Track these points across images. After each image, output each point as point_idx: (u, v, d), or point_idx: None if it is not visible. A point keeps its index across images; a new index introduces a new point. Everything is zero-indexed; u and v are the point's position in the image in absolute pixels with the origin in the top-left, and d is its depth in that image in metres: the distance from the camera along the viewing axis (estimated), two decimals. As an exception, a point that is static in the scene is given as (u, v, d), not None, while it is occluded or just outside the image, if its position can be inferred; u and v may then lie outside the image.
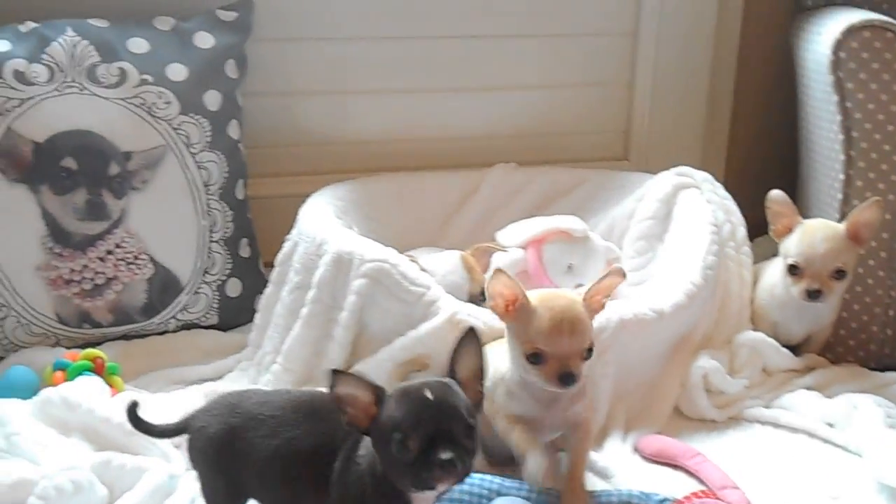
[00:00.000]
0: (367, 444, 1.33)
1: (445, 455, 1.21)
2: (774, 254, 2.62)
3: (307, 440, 1.38)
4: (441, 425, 1.23)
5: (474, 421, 1.28)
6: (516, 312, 1.56)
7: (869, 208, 2.00)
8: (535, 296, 1.58)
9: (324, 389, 1.32)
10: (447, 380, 1.31)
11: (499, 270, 1.58)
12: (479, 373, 1.34)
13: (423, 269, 1.96)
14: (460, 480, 1.26)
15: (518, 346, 1.57)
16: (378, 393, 1.29)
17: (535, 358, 1.54)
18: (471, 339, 1.34)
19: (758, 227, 2.25)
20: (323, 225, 2.05)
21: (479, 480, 1.58)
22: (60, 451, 1.66)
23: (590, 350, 1.56)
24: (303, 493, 1.39)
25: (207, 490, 1.48)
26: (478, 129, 2.70)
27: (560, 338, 1.52)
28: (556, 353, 1.53)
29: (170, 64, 2.19)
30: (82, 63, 2.11)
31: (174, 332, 2.25)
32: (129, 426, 1.63)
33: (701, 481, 1.70)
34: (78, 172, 2.09)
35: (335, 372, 1.29)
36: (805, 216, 2.11)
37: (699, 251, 2.07)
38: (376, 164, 2.58)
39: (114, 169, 2.12)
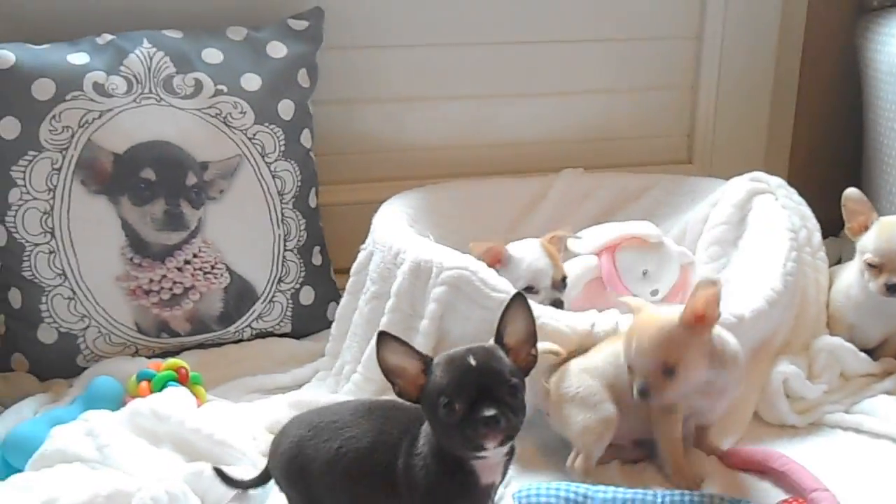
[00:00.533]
0: (425, 434, 1.36)
1: (489, 412, 1.25)
2: (841, 257, 2.62)
3: (365, 438, 1.41)
4: (484, 387, 1.28)
5: (518, 381, 1.31)
6: None
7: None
8: None
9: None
10: (491, 344, 1.34)
11: None
12: (530, 337, 1.37)
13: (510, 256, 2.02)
14: (508, 437, 1.30)
15: None
16: (425, 362, 1.33)
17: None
18: (519, 303, 1.37)
19: (822, 229, 2.25)
20: (398, 233, 2.06)
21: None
22: (152, 462, 1.67)
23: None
24: (369, 492, 1.41)
25: None
26: (542, 135, 2.70)
27: None
28: None
29: (244, 74, 2.21)
30: (159, 74, 2.14)
31: (249, 340, 2.27)
32: (218, 436, 1.67)
33: (789, 487, 1.68)
34: (156, 183, 2.12)
35: (382, 334, 1.32)
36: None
37: (778, 257, 2.06)
38: (443, 170, 2.59)
39: (191, 179, 2.14)
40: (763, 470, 1.74)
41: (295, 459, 1.46)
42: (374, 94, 2.57)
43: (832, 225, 2.62)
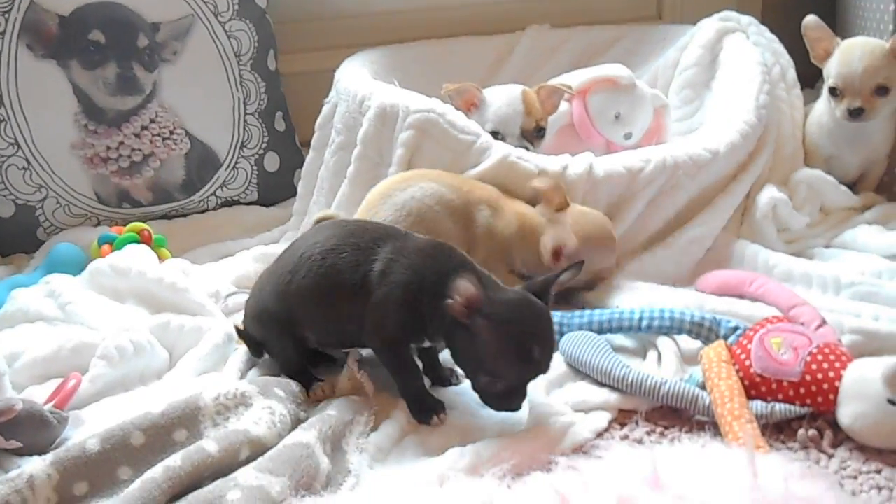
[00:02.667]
0: (403, 265, 1.38)
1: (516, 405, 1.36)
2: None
3: (331, 241, 1.43)
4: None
5: None
6: None
7: None
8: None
9: None
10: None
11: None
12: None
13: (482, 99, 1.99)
14: None
15: None
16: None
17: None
18: None
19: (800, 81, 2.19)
20: (363, 81, 1.99)
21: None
22: (117, 316, 1.63)
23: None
24: (333, 291, 1.42)
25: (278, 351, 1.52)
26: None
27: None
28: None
29: (191, -69, 2.12)
30: (104, -67, 2.05)
31: (215, 209, 2.21)
32: (181, 285, 1.62)
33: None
34: (106, 46, 2.04)
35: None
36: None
37: (751, 91, 2.01)
38: (407, 34, 2.49)
39: (143, 41, 2.07)
40: (740, 294, 1.71)
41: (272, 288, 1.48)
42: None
43: (810, 76, 2.58)
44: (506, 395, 1.34)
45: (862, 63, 1.95)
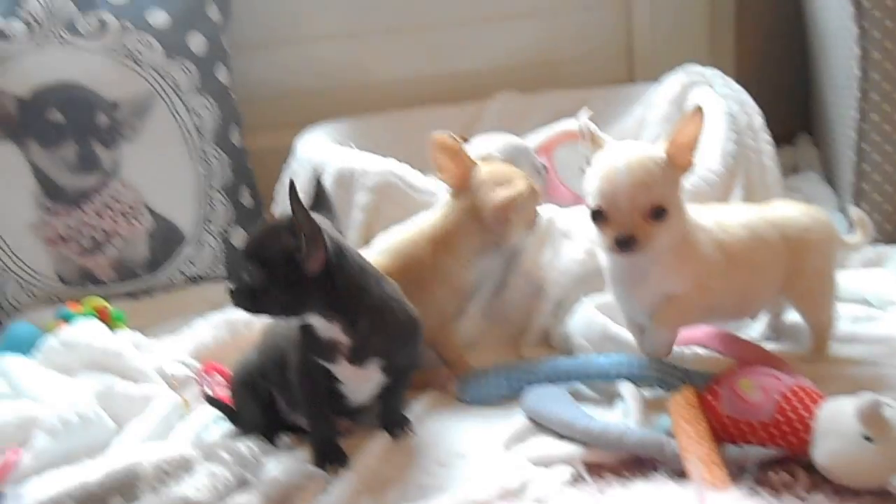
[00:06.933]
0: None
1: None
2: (797, 165, 2.55)
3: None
4: None
5: None
6: None
7: (692, 119, 1.47)
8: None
9: None
10: None
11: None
12: None
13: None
14: None
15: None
16: None
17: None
18: None
19: (774, 136, 2.14)
20: (321, 148, 1.98)
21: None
22: (64, 389, 1.57)
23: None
24: None
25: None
26: (477, 63, 2.60)
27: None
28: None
29: (149, 10, 2.13)
30: (60, 15, 2.06)
31: (181, 287, 2.17)
32: (126, 354, 1.59)
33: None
34: (65, 125, 2.04)
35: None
36: (821, 115, 1.96)
37: (717, 140, 1.98)
38: (376, 107, 2.48)
39: (102, 119, 2.06)
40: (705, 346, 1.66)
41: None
42: (295, 33, 2.49)
43: (785, 134, 2.57)
44: None
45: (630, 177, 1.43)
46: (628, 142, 1.53)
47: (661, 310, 1.51)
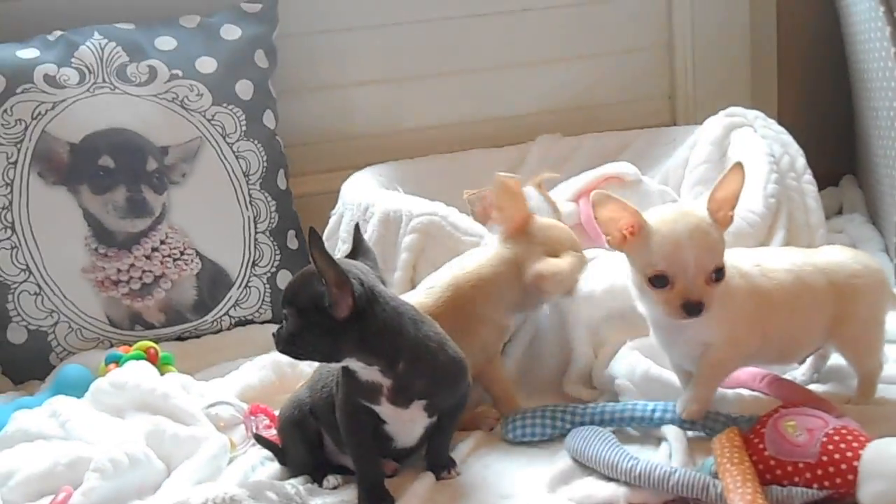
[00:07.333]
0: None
1: None
2: (841, 207, 2.54)
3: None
4: None
5: None
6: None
7: (732, 176, 1.48)
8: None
9: None
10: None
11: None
12: None
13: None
14: None
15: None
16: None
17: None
18: None
19: (818, 177, 2.14)
20: (367, 190, 2.02)
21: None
22: (114, 430, 1.60)
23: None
24: None
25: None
26: (520, 108, 2.64)
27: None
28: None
29: (199, 57, 2.19)
30: (112, 63, 2.12)
31: (229, 329, 2.20)
32: (173, 395, 1.61)
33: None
34: (116, 170, 2.09)
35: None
36: (865, 157, 1.95)
37: (759, 181, 1.98)
38: (420, 151, 2.51)
39: (151, 164, 2.11)
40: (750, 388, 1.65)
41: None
42: (343, 79, 2.53)
43: (830, 175, 2.56)
44: None
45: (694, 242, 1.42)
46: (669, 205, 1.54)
47: (699, 369, 1.52)
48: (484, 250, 1.71)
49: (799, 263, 1.56)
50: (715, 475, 1.35)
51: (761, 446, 1.37)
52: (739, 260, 1.53)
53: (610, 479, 1.41)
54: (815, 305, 1.54)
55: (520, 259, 1.65)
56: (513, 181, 1.69)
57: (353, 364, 1.37)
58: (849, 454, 1.31)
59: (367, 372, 1.37)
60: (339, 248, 1.99)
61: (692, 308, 1.41)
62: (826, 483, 1.31)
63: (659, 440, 1.53)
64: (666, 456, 1.47)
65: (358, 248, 1.45)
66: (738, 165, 1.47)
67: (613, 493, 1.38)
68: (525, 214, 1.68)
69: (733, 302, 1.48)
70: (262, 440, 1.60)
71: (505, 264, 1.65)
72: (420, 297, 1.60)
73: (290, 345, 1.36)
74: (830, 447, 1.33)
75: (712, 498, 1.32)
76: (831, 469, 1.31)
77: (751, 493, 1.28)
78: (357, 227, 1.48)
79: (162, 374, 1.82)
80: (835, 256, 1.60)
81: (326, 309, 1.31)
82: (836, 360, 1.69)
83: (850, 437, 1.34)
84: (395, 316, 1.37)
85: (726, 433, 1.42)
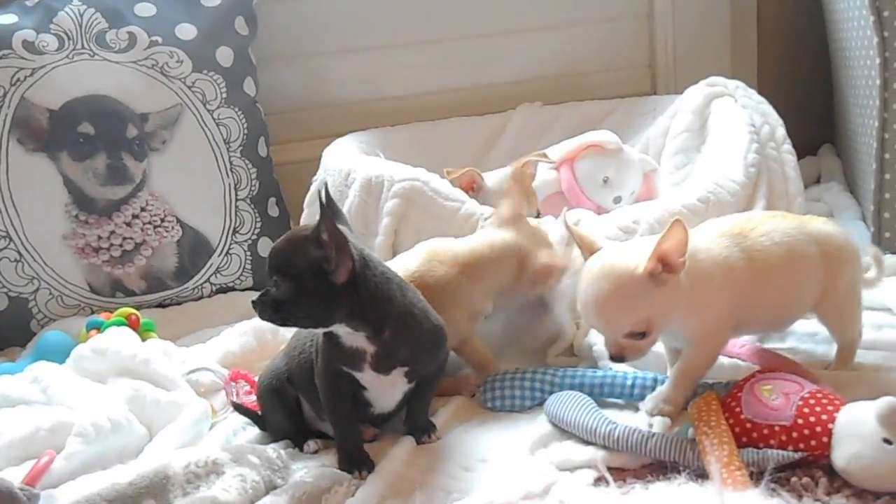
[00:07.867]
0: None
1: None
2: (819, 176, 2.55)
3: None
4: None
5: None
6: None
7: (673, 233, 1.34)
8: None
9: None
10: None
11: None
12: None
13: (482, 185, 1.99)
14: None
15: None
16: None
17: None
18: None
19: (797, 146, 2.15)
20: (348, 156, 2.01)
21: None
22: (95, 395, 1.60)
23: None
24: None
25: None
26: (501, 76, 2.65)
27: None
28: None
29: (178, 24, 2.18)
30: (91, 30, 2.11)
31: (210, 296, 2.20)
32: (154, 361, 1.61)
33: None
34: (96, 137, 2.08)
35: None
36: (844, 126, 1.96)
37: (739, 151, 2.00)
38: (401, 119, 2.52)
39: (131, 131, 2.10)
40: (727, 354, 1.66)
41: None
42: (324, 46, 2.53)
43: (809, 144, 2.58)
44: None
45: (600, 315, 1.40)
46: (614, 249, 1.43)
47: (676, 371, 1.51)
48: (489, 231, 1.70)
49: (792, 232, 1.56)
50: (692, 438, 1.37)
51: (738, 410, 1.39)
52: (717, 240, 1.48)
53: (588, 443, 1.42)
54: (807, 273, 1.55)
55: (522, 247, 1.65)
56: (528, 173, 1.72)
57: (341, 330, 1.37)
58: (823, 417, 1.33)
59: (353, 338, 1.37)
60: (320, 214, 1.99)
61: (614, 359, 1.41)
62: (801, 445, 1.32)
63: (637, 406, 1.54)
64: (644, 422, 1.49)
65: (331, 212, 1.42)
66: (678, 222, 1.34)
67: (592, 456, 1.39)
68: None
69: (709, 288, 1.44)
70: (241, 408, 1.60)
71: (506, 247, 1.65)
72: (400, 266, 1.59)
73: (278, 312, 1.33)
74: (806, 410, 1.34)
75: (689, 460, 1.33)
76: (806, 432, 1.33)
77: (727, 455, 1.29)
78: (327, 191, 1.39)
79: (143, 340, 1.82)
80: (825, 227, 1.61)
81: (325, 274, 1.30)
82: (811, 326, 1.70)
83: (825, 401, 1.35)
84: (385, 281, 1.37)
85: (703, 397, 1.43)
